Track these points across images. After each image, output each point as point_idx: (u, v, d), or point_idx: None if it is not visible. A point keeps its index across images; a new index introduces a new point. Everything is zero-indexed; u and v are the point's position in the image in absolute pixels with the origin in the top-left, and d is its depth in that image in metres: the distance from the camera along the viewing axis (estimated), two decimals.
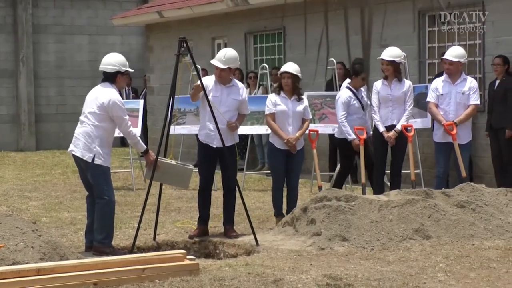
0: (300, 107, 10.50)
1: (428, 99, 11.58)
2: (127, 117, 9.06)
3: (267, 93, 15.33)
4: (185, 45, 9.29)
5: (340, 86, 14.75)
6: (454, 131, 11.02)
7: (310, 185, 13.92)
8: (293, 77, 10.44)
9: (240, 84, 10.13)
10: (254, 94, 16.27)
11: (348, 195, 9.53)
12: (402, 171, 11.81)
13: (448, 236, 8.90)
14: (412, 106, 11.56)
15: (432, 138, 11.73)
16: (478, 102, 11.37)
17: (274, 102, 10.53)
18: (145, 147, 9.23)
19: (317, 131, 11.22)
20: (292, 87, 10.48)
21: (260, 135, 16.36)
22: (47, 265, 7.02)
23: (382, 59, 11.48)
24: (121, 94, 9.44)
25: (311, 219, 9.17)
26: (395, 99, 11.45)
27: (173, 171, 9.44)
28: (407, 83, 11.60)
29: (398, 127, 11.38)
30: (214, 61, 9.93)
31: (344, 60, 13.66)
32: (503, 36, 13.17)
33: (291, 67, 10.54)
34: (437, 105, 11.38)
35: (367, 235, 8.76)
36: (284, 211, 10.45)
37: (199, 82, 9.53)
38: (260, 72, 15.83)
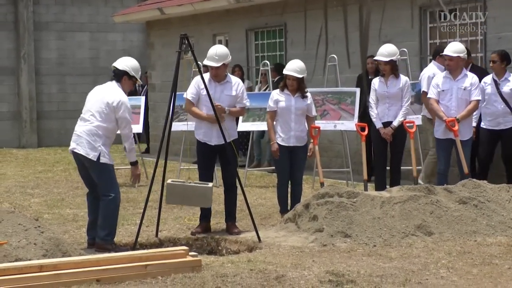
0: (303, 104, 10.51)
1: (428, 96, 11.54)
2: (131, 120, 9.06)
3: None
4: (186, 42, 9.28)
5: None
6: (456, 127, 11.00)
7: (312, 181, 13.92)
8: (298, 79, 10.44)
9: (234, 80, 10.07)
10: (265, 90, 16.25)
11: (350, 191, 9.52)
12: (404, 167, 11.76)
13: (450, 232, 8.90)
14: (409, 102, 11.57)
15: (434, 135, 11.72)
16: (479, 97, 11.31)
17: (276, 99, 10.54)
18: (136, 159, 9.17)
19: (318, 128, 11.22)
20: (297, 87, 10.50)
21: (258, 132, 16.30)
22: (50, 262, 7.04)
23: (379, 60, 11.49)
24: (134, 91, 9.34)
25: (313, 215, 9.17)
26: (392, 96, 11.48)
27: (192, 192, 9.40)
28: (403, 79, 11.59)
29: (395, 123, 11.40)
30: (207, 62, 9.85)
31: (344, 55, 13.55)
32: (505, 31, 13.15)
33: (296, 68, 10.44)
34: (438, 101, 11.35)
35: (369, 232, 8.77)
36: (289, 207, 10.44)
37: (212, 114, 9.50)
38: (261, 68, 15.81)
